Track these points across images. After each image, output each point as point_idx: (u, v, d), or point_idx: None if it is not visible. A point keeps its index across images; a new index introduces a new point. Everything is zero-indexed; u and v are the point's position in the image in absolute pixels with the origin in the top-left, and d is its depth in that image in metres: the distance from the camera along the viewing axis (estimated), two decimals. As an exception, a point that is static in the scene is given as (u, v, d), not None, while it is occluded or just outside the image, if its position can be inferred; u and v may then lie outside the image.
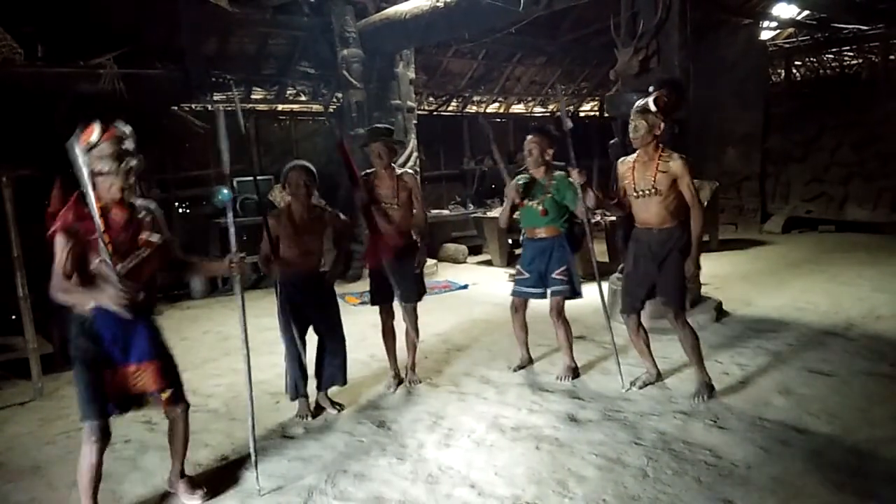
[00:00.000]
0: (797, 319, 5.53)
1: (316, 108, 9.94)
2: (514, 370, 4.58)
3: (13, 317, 4.96)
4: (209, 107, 8.61)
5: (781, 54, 11.37)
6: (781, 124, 10.99)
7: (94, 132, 2.59)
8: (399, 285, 4.19)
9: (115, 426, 3.57)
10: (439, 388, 4.40)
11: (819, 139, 10.69)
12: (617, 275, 5.75)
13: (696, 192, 3.81)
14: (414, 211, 4.29)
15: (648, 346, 4.17)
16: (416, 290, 4.33)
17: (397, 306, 4.35)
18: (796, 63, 11.48)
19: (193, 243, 7.78)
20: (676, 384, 4.17)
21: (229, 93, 8.79)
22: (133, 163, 2.66)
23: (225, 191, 3.13)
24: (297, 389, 3.96)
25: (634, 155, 3.92)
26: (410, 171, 4.39)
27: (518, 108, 13.01)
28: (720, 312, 5.71)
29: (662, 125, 3.75)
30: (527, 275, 4.37)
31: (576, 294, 4.33)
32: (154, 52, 7.63)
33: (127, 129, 2.70)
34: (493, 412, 3.90)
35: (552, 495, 2.93)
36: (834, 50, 10.98)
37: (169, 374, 2.90)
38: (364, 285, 7.93)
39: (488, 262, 9.14)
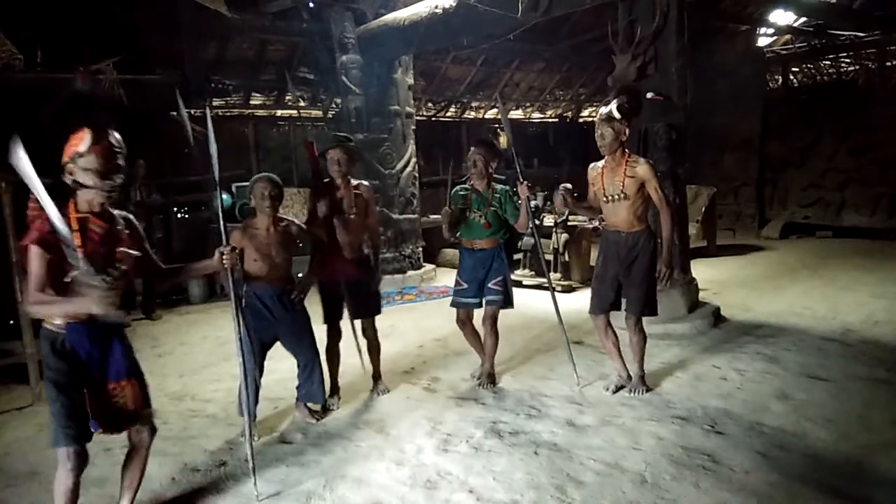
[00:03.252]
0: (795, 325, 5.55)
1: (315, 113, 9.97)
2: (477, 378, 4.52)
3: (11, 322, 4.97)
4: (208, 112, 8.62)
5: (779, 61, 11.41)
6: (779, 130, 11.03)
7: (84, 142, 2.43)
8: (354, 301, 4.11)
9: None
10: (437, 393, 4.40)
11: (816, 145, 10.73)
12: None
13: (664, 194, 3.90)
14: (369, 224, 4.22)
15: (618, 348, 4.23)
16: (372, 305, 4.25)
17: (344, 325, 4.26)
18: (793, 69, 11.52)
19: (192, 248, 7.80)
20: (674, 389, 4.18)
21: (228, 98, 8.82)
22: (119, 180, 2.51)
23: (224, 196, 3.14)
24: (251, 411, 3.66)
25: (602, 161, 3.99)
26: (366, 182, 4.29)
27: (516, 114, 13.04)
28: (718, 318, 5.72)
29: (627, 131, 3.85)
30: (466, 286, 4.35)
31: (508, 304, 4.36)
32: (153, 58, 7.65)
33: (119, 140, 2.54)
34: (491, 417, 3.90)
35: (550, 500, 2.93)
36: (831, 56, 11.02)
37: (145, 394, 2.79)
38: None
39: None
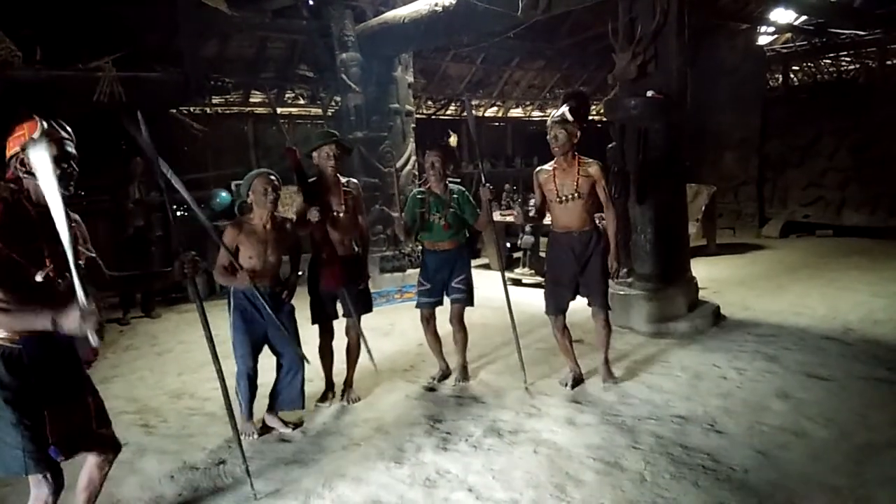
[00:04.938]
0: (795, 324, 5.54)
1: (315, 111, 9.95)
2: (437, 381, 4.55)
3: None
4: (208, 110, 8.62)
5: (779, 59, 11.40)
6: (779, 129, 11.02)
7: (38, 129, 2.25)
8: (343, 300, 4.09)
9: (114, 429, 3.55)
10: (437, 391, 4.39)
11: (817, 144, 10.72)
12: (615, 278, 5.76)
13: (609, 194, 4.12)
14: (359, 221, 4.20)
15: (572, 346, 4.36)
16: (361, 305, 4.19)
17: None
18: (794, 68, 11.51)
19: (190, 246, 7.79)
20: (674, 388, 4.18)
21: (229, 96, 8.80)
22: (74, 168, 2.34)
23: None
24: (248, 411, 3.76)
25: (552, 163, 4.11)
26: (355, 180, 4.26)
27: (516, 112, 13.03)
28: (718, 317, 5.71)
29: (579, 133, 3.98)
30: (429, 285, 4.38)
31: (470, 302, 4.42)
32: (153, 55, 7.63)
33: (68, 130, 2.38)
34: (490, 416, 3.90)
35: (550, 499, 2.93)
36: (831, 55, 11.01)
37: (105, 412, 2.57)
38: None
39: (486, 266, 9.13)
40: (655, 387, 4.22)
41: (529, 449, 3.43)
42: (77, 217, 2.47)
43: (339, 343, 4.30)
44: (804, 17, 10.22)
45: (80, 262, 2.31)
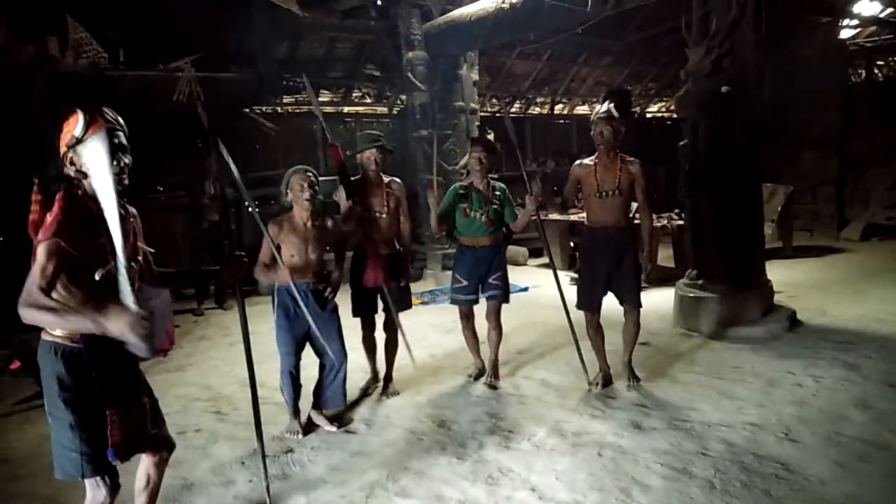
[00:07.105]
0: (877, 331, 5.26)
1: (381, 110, 10.09)
2: (473, 378, 4.56)
3: None
4: (279, 109, 8.86)
5: (862, 54, 10.87)
6: (861, 127, 10.49)
7: (78, 124, 2.07)
8: (384, 296, 4.13)
9: (188, 415, 3.70)
10: (499, 389, 4.39)
11: (902, 143, 10.16)
12: (684, 280, 5.62)
13: (649, 194, 4.12)
14: (401, 221, 4.24)
15: (603, 344, 4.32)
16: (400, 302, 4.21)
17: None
18: (878, 63, 10.96)
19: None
20: (746, 395, 4.04)
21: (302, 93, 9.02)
22: (126, 160, 2.16)
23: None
24: (293, 409, 3.81)
25: (593, 158, 4.13)
26: (398, 180, 4.28)
27: (582, 110, 12.85)
28: (794, 322, 5.48)
29: (623, 129, 4.00)
30: (465, 282, 4.36)
31: (506, 298, 4.41)
32: (229, 56, 7.90)
33: (119, 119, 2.17)
34: (554, 416, 3.87)
35: (615, 503, 2.88)
36: (920, 49, 10.44)
37: (159, 411, 2.47)
38: (425, 285, 8.02)
39: (546, 265, 9.04)
40: (726, 392, 4.09)
41: (593, 451, 3.39)
42: (135, 211, 2.35)
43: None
44: (890, 10, 9.70)
45: (139, 258, 2.29)
